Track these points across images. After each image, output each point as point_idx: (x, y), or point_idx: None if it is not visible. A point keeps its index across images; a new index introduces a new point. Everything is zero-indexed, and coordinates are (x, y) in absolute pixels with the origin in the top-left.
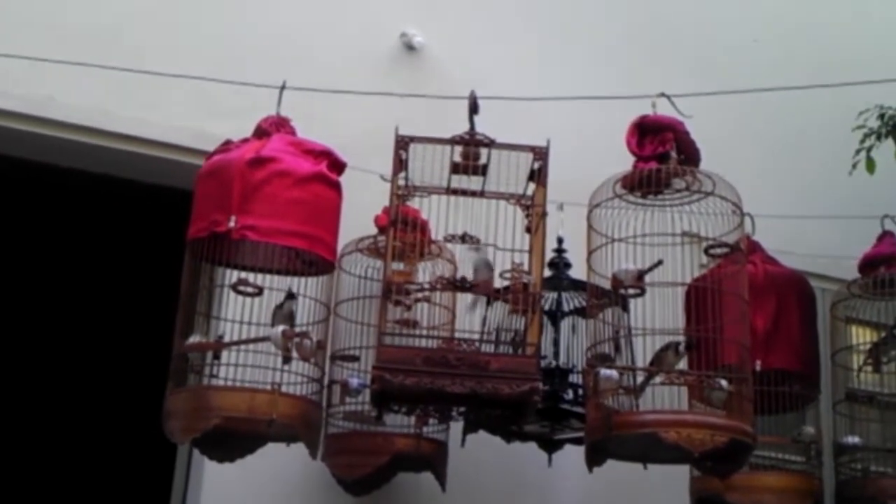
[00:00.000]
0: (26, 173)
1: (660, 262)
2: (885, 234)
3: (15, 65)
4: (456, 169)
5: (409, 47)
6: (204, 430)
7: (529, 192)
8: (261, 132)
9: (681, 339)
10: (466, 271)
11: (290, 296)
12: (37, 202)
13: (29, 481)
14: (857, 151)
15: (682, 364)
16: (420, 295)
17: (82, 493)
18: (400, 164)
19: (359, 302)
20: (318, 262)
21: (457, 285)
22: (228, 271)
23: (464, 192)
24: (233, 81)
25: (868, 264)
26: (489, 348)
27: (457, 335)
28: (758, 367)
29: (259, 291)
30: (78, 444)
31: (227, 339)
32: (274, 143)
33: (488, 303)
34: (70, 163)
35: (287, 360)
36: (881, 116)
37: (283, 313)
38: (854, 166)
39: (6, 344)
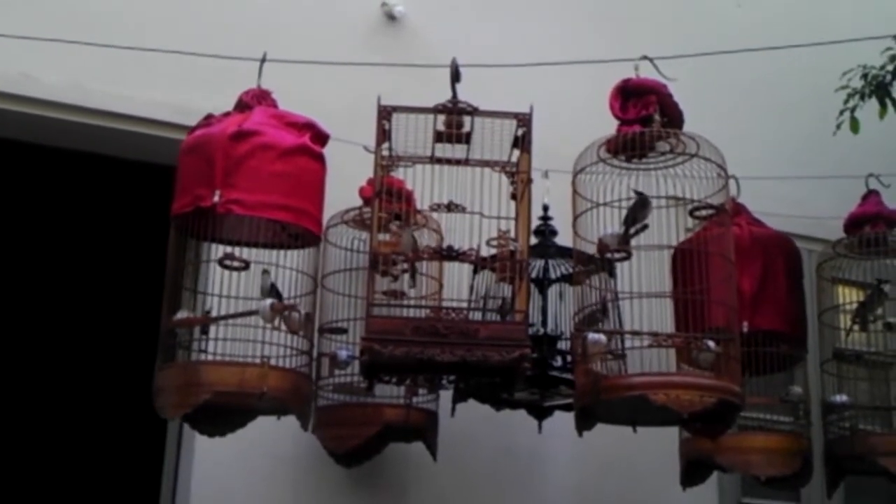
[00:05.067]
0: (4, 152)
1: (645, 226)
2: (869, 194)
3: None
4: (439, 138)
5: (390, 17)
6: (194, 406)
7: (514, 159)
8: (242, 105)
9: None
10: (453, 240)
11: (265, 272)
12: (16, 182)
13: (21, 460)
14: (842, 112)
15: (669, 326)
16: (406, 265)
17: (74, 470)
18: (383, 135)
19: (346, 274)
20: (304, 234)
21: (443, 255)
22: (214, 246)
23: (448, 161)
24: (212, 55)
25: (853, 224)
26: (477, 317)
27: (444, 304)
28: (745, 329)
29: (245, 265)
30: (68, 421)
31: (214, 313)
32: (256, 116)
33: (475, 271)
34: (50, 141)
35: (275, 328)
36: (864, 76)
37: (267, 285)
38: (838, 126)
39: None
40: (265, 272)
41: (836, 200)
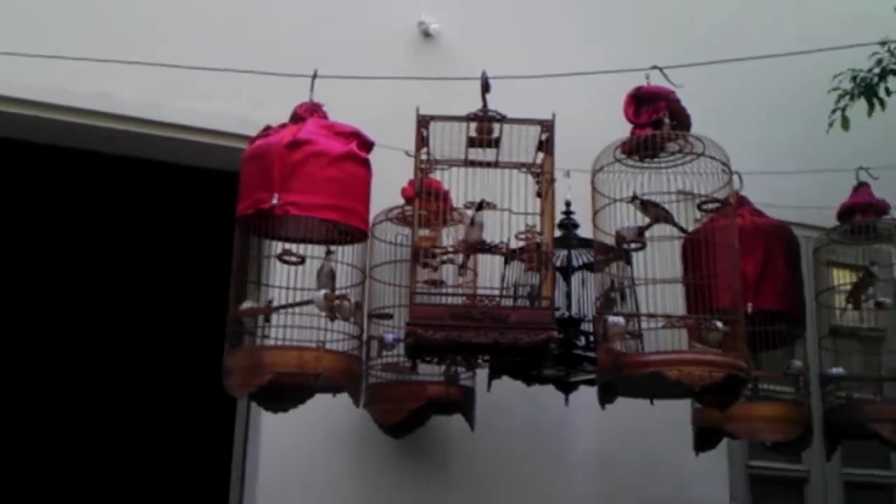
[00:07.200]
0: (86, 163)
1: (658, 220)
2: (860, 185)
3: (73, 66)
4: (472, 143)
5: (426, 34)
6: (259, 385)
7: (539, 161)
8: (296, 117)
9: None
10: (486, 234)
11: (328, 252)
12: (98, 189)
13: (104, 435)
14: (833, 111)
15: (681, 309)
16: (445, 257)
17: (154, 444)
18: (422, 141)
19: (391, 265)
20: (353, 231)
21: (477, 248)
22: (274, 243)
23: (480, 164)
24: (269, 73)
25: (846, 213)
26: (508, 303)
27: (479, 292)
28: (749, 309)
29: (302, 260)
30: (150, 400)
31: (275, 303)
32: (309, 126)
33: (506, 262)
34: (126, 151)
35: (332, 318)
36: (853, 79)
37: (325, 272)
38: (831, 124)
39: (78, 317)
40: (329, 253)
41: (829, 192)
